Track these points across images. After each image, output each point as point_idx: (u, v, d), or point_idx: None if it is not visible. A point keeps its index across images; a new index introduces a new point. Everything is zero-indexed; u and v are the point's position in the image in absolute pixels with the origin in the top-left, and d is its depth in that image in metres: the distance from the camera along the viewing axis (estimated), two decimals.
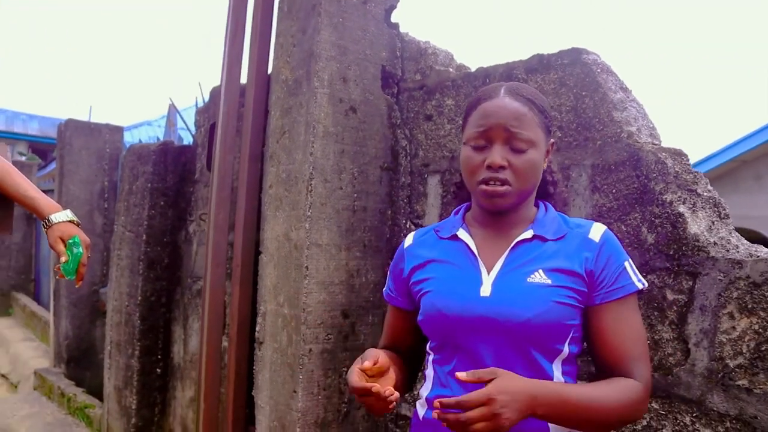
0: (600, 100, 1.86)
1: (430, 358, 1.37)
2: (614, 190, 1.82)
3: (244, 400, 2.71)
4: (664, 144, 1.83)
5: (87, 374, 5.68)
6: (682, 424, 1.61)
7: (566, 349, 1.24)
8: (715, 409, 1.54)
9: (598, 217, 1.84)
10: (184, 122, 5.54)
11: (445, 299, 1.28)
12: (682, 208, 1.66)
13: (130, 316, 4.10)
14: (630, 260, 1.27)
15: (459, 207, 1.46)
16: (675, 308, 1.63)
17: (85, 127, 5.78)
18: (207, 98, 3.99)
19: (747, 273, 1.51)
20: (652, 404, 1.67)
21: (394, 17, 2.56)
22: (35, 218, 9.25)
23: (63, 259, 1.76)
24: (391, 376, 1.29)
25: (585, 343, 1.30)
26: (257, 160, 2.71)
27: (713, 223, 1.66)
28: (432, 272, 1.35)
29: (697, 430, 1.58)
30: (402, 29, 2.58)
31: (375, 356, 1.26)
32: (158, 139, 9.47)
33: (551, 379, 1.22)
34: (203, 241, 3.66)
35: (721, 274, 1.55)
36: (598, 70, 1.90)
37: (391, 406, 1.18)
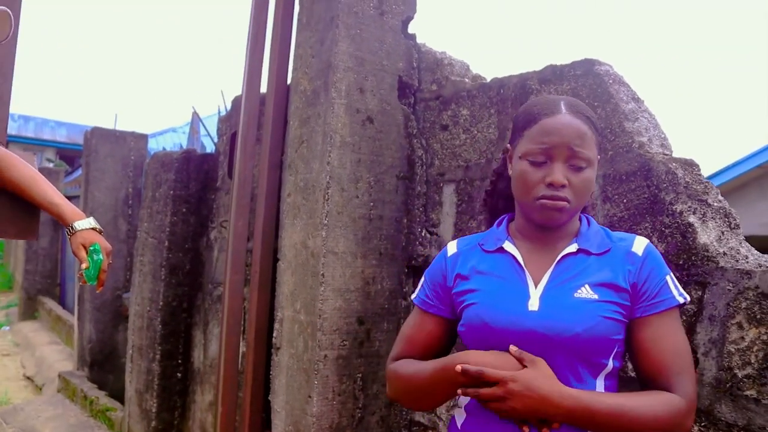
0: (612, 110, 1.88)
1: None
2: (625, 200, 1.83)
3: (261, 405, 2.76)
4: (679, 154, 1.85)
5: (109, 377, 5.78)
6: None
7: (610, 363, 1.25)
8: (723, 419, 1.55)
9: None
10: (206, 130, 5.63)
11: (491, 312, 1.29)
12: (692, 218, 1.67)
13: (152, 320, 4.17)
14: (671, 274, 1.28)
15: (501, 218, 1.46)
16: (684, 318, 1.64)
17: (110, 134, 5.90)
18: (229, 107, 4.07)
19: (756, 283, 1.52)
20: None
21: (411, 28, 2.61)
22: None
23: (83, 265, 1.82)
24: None
25: (628, 357, 1.31)
26: (276, 168, 2.77)
27: (723, 233, 1.67)
28: (478, 284, 1.35)
29: None
30: (419, 40, 2.62)
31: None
32: (182, 146, 9.60)
33: None
34: (224, 248, 3.72)
35: (730, 284, 1.56)
36: (610, 81, 1.92)
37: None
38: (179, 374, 4.17)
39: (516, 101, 2.18)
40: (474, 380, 1.18)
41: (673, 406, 1.18)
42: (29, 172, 1.80)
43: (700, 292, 1.62)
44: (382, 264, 2.48)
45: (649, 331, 1.24)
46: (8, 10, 1.36)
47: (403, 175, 2.53)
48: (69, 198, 1.97)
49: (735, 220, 1.70)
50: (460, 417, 1.36)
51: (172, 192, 4.12)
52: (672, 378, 1.21)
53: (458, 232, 2.37)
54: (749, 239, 1.90)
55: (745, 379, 1.51)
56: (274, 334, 2.65)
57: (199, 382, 4.01)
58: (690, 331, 1.63)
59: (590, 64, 1.96)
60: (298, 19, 2.66)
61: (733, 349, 1.54)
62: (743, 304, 1.53)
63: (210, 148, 7.04)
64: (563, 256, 1.30)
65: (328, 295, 2.35)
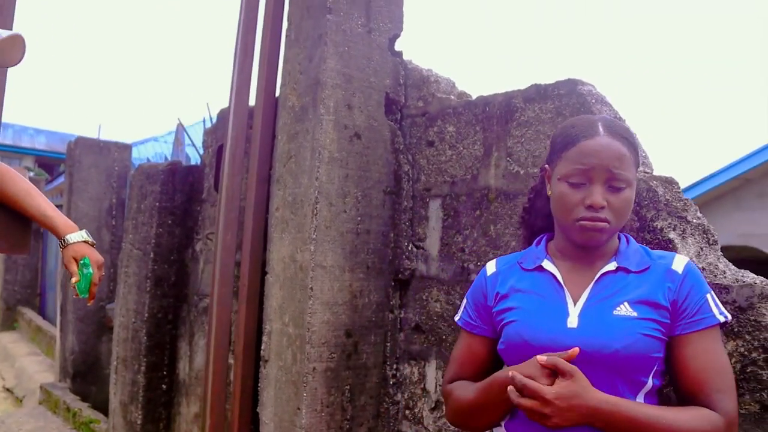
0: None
1: None
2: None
3: (249, 417, 2.78)
4: (658, 168, 1.91)
5: (92, 389, 5.74)
6: None
7: (650, 382, 1.27)
8: None
9: None
10: (192, 141, 5.63)
11: (531, 329, 1.31)
12: (672, 235, 1.73)
13: (137, 332, 4.17)
14: (712, 293, 1.30)
15: (540, 237, 1.49)
16: None
17: (94, 144, 5.88)
18: (215, 119, 4.09)
19: (733, 297, 1.57)
20: None
21: (398, 46, 2.66)
22: (42, 233, 9.34)
23: (73, 279, 1.83)
24: None
25: (668, 375, 1.33)
26: (264, 182, 2.80)
27: (702, 249, 1.73)
28: (517, 302, 1.38)
29: None
30: (405, 57, 2.67)
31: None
32: (166, 155, 9.57)
33: None
34: (210, 260, 3.74)
35: None
36: (593, 101, 1.98)
37: None
38: (164, 386, 4.16)
39: (501, 119, 2.23)
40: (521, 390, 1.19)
41: (713, 422, 1.19)
42: (25, 186, 1.82)
43: None
44: (370, 277, 2.52)
45: (689, 349, 1.25)
46: (22, 34, 1.38)
47: (389, 190, 2.57)
48: None
49: (713, 236, 1.76)
50: None
51: (157, 204, 4.12)
52: (712, 395, 1.22)
53: (444, 247, 2.42)
54: (726, 249, 1.96)
55: None
56: (263, 347, 2.67)
57: (185, 393, 4.01)
58: None
59: (573, 84, 2.02)
60: (287, 36, 2.70)
61: None
62: None
63: (194, 156, 7.05)
64: (602, 274, 1.32)
65: (317, 309, 2.39)
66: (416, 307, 2.52)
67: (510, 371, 1.22)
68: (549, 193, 1.40)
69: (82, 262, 1.83)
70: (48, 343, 7.99)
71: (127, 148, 6.05)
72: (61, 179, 10.92)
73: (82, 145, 5.79)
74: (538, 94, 2.13)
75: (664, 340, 1.26)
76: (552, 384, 1.18)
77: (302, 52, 2.56)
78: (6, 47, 1.41)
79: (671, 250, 1.70)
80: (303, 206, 2.45)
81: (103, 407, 5.19)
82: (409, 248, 2.57)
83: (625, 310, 1.26)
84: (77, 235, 1.83)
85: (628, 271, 1.31)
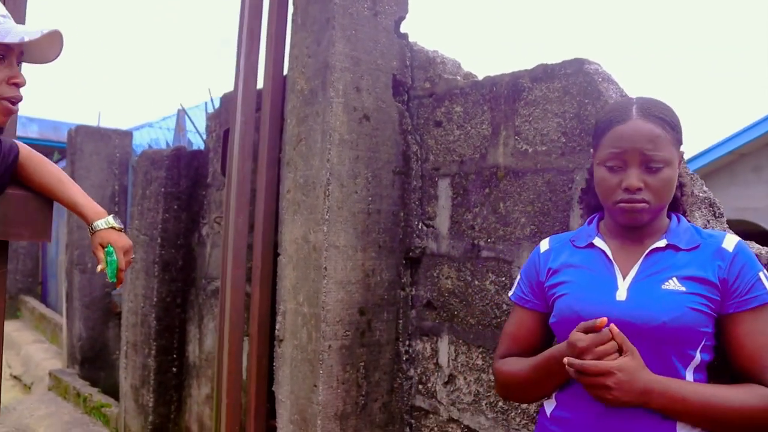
0: (602, 107, 1.99)
1: None
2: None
3: (265, 396, 2.84)
4: None
5: (101, 374, 5.82)
6: None
7: (698, 356, 1.29)
8: None
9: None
10: (195, 127, 5.66)
11: (581, 302, 1.36)
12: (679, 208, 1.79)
13: (146, 317, 4.23)
14: (765, 271, 1.33)
15: (592, 217, 1.54)
16: None
17: (95, 132, 5.90)
18: (217, 104, 4.11)
19: None
20: None
21: (403, 28, 2.69)
22: None
23: (98, 268, 1.86)
24: None
25: (714, 354, 1.35)
26: (274, 165, 2.84)
27: (708, 221, 1.78)
28: (568, 276, 1.43)
29: None
30: (411, 39, 2.71)
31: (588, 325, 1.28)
32: (165, 141, 9.57)
33: None
34: (217, 243, 3.79)
35: None
36: (600, 79, 2.02)
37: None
38: (174, 369, 4.23)
39: (509, 98, 2.28)
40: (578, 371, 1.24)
41: (766, 399, 1.22)
42: (56, 173, 1.85)
43: None
44: (381, 256, 2.57)
45: (742, 327, 1.28)
46: (60, 30, 1.41)
47: (399, 170, 2.62)
48: None
49: (719, 209, 1.82)
50: (549, 405, 1.44)
51: (163, 189, 4.16)
52: (765, 373, 1.24)
53: (454, 224, 2.47)
54: None
55: None
56: (277, 327, 2.73)
57: (195, 375, 4.08)
58: None
59: (580, 63, 2.06)
60: (293, 21, 2.72)
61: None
62: None
63: (195, 142, 7.07)
64: (651, 251, 1.36)
65: (331, 288, 2.44)
66: (427, 284, 2.58)
67: (565, 359, 1.26)
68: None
69: (106, 249, 1.85)
70: (52, 330, 8.05)
71: (128, 134, 6.08)
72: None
73: (82, 133, 5.81)
74: (545, 73, 2.17)
75: (712, 315, 1.29)
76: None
77: (309, 36, 2.59)
78: (45, 44, 1.44)
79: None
80: (315, 188, 2.50)
81: (112, 392, 5.27)
82: (419, 227, 2.62)
83: (673, 284, 1.29)
84: (103, 222, 1.85)
85: (677, 249, 1.35)
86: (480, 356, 2.34)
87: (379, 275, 2.57)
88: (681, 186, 1.49)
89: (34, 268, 10.43)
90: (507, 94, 2.29)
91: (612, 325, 1.25)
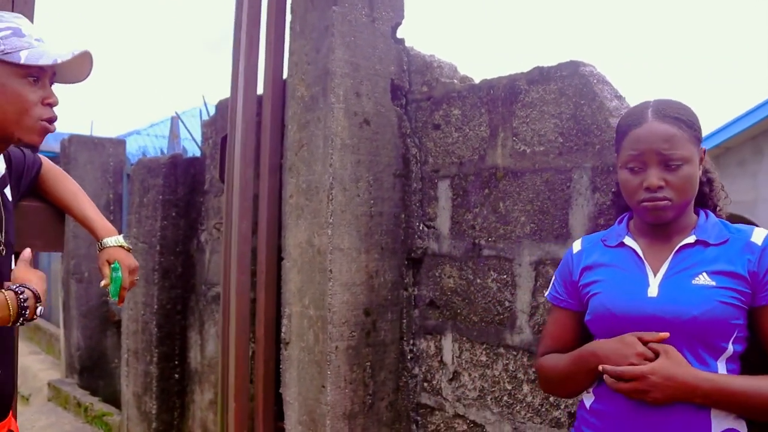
0: (597, 108, 2.06)
1: None
2: (613, 189, 2.00)
3: (273, 398, 2.89)
4: None
5: (100, 383, 5.81)
6: None
7: (731, 347, 1.33)
8: None
9: (598, 215, 2.03)
10: (190, 134, 5.69)
11: (614, 299, 1.42)
12: None
13: (147, 324, 4.25)
14: None
15: (621, 216, 1.60)
16: None
17: (88, 141, 5.90)
18: (211, 111, 4.15)
19: None
20: None
21: (400, 33, 2.75)
22: None
23: (102, 283, 1.88)
24: None
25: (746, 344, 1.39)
26: (276, 171, 2.89)
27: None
28: (601, 275, 1.49)
29: None
30: (407, 44, 2.77)
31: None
32: (153, 149, 9.58)
33: None
34: (216, 250, 3.82)
35: None
36: (595, 81, 2.09)
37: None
38: (177, 375, 4.26)
39: (506, 101, 2.34)
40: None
41: None
42: (72, 188, 1.88)
43: None
44: (384, 258, 2.63)
45: None
46: (90, 51, 1.45)
47: (399, 173, 2.67)
48: None
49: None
50: (588, 399, 1.49)
51: (160, 197, 4.19)
52: None
53: (455, 225, 2.53)
54: None
55: None
56: (283, 330, 2.77)
57: (197, 381, 4.11)
58: None
59: (575, 65, 2.13)
60: (291, 28, 2.78)
61: None
62: None
63: (191, 150, 7.10)
64: (681, 247, 1.41)
65: (337, 290, 2.49)
66: (430, 284, 2.64)
67: (600, 366, 1.35)
68: None
69: (113, 266, 1.87)
70: (48, 341, 8.02)
71: (121, 143, 6.08)
72: None
73: (76, 142, 5.81)
74: (541, 76, 2.24)
75: (743, 308, 1.33)
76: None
77: (309, 44, 2.64)
78: (76, 65, 1.47)
79: None
80: (318, 192, 2.55)
81: (112, 400, 5.28)
82: (421, 228, 2.68)
83: (703, 279, 1.34)
84: (114, 240, 1.87)
85: (707, 244, 1.39)
86: (484, 353, 2.39)
87: (383, 276, 2.62)
88: (710, 182, 1.53)
89: None
90: (504, 97, 2.35)
91: (643, 334, 1.33)
